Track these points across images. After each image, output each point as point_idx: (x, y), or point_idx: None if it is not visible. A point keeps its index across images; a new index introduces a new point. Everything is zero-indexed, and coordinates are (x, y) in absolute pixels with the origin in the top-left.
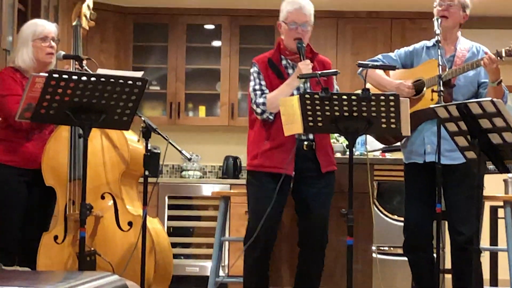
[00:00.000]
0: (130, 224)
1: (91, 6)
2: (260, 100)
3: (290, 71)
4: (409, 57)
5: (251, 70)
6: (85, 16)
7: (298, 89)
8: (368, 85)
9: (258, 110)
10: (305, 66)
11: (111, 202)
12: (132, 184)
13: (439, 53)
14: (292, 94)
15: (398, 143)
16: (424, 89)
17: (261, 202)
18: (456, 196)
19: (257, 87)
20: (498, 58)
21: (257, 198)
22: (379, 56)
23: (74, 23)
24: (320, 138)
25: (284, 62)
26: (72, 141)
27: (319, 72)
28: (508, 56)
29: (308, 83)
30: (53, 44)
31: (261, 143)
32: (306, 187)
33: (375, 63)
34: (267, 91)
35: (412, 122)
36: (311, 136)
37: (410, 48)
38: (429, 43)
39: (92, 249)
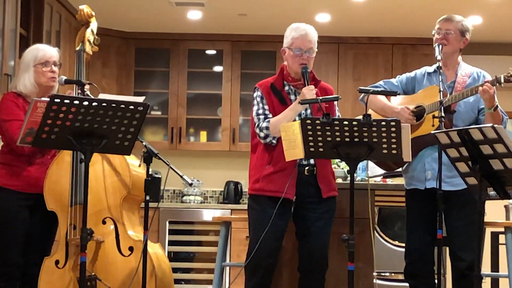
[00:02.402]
0: (131, 249)
1: (95, 31)
2: (264, 125)
3: (292, 97)
4: (410, 83)
5: (254, 95)
6: (89, 41)
7: (299, 114)
8: (370, 111)
9: (262, 134)
10: (309, 92)
11: (112, 227)
12: (133, 209)
13: (440, 79)
14: (294, 119)
15: (400, 169)
16: (425, 115)
17: (262, 226)
18: (457, 222)
19: (261, 111)
20: (497, 84)
21: (258, 223)
22: (381, 82)
23: (77, 48)
24: (321, 163)
25: (286, 88)
26: (74, 166)
27: (320, 97)
28: (507, 82)
29: (309, 109)
30: (55, 68)
31: (263, 167)
32: (306, 212)
33: (376, 89)
34: (270, 115)
35: (413, 148)
36: (312, 161)
37: (412, 74)
38: (430, 69)
39: (93, 274)
